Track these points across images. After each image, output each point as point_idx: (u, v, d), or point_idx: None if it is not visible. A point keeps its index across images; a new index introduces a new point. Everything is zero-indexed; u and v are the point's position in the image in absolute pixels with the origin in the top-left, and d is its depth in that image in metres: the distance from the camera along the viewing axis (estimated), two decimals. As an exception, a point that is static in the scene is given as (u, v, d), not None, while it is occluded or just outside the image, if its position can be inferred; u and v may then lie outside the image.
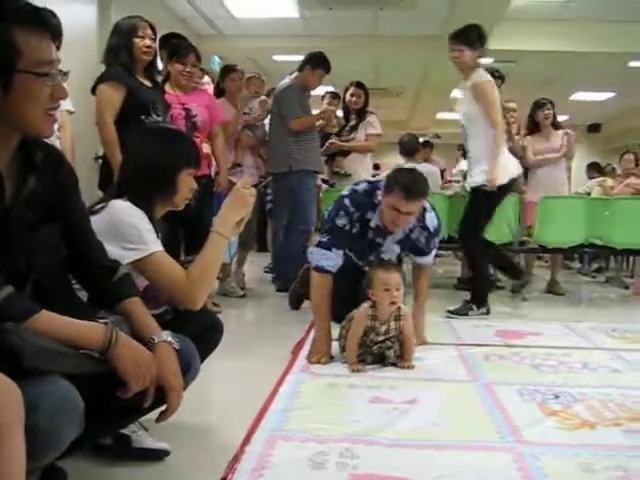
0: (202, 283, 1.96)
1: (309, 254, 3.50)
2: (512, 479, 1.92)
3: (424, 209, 3.47)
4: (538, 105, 6.03)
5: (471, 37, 4.61)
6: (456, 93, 11.86)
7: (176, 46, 4.39)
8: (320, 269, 3.37)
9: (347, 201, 3.43)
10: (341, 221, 3.41)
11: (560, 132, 6.00)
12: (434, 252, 3.72)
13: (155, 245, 1.98)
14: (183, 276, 1.94)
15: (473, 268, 4.88)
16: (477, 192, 4.55)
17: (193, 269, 1.95)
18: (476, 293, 4.73)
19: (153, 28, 3.91)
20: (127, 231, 1.95)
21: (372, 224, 3.45)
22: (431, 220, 3.53)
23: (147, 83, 3.87)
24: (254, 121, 5.67)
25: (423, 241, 3.55)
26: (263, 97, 5.86)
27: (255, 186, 4.73)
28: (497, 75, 5.96)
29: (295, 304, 4.69)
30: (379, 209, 3.40)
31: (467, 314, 4.60)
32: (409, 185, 3.22)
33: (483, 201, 4.53)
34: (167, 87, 4.31)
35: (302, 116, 5.36)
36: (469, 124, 4.68)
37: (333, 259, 3.36)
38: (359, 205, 3.42)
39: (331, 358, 3.27)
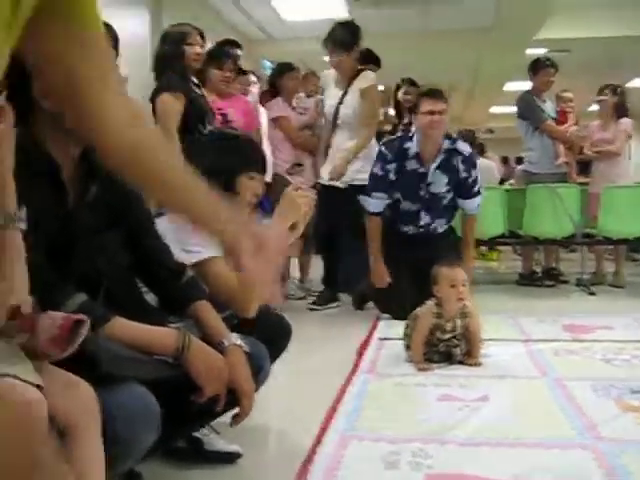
0: (254, 291, 1.93)
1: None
2: (593, 477, 1.86)
3: (455, 139, 4.28)
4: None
5: (346, 41, 4.60)
6: (509, 86, 11.70)
7: (214, 51, 4.39)
8: (367, 212, 4.15)
9: (382, 148, 4.23)
10: (376, 168, 4.15)
11: (621, 122, 5.80)
12: (479, 198, 4.29)
13: (214, 250, 1.98)
14: (236, 283, 1.93)
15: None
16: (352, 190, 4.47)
17: (244, 277, 1.93)
18: None
19: (202, 35, 3.92)
20: (189, 234, 1.95)
21: (411, 152, 4.10)
22: (463, 145, 4.24)
23: (197, 91, 3.87)
24: (311, 121, 5.53)
25: (462, 167, 4.13)
26: (319, 97, 5.80)
27: (313, 187, 4.78)
28: (549, 64, 5.87)
29: (359, 304, 4.69)
30: (415, 138, 4.13)
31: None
32: (428, 89, 4.15)
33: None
34: (204, 91, 4.30)
35: None
36: (351, 124, 4.67)
37: (375, 202, 4.14)
38: (392, 147, 4.17)
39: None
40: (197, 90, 3.88)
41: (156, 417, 1.37)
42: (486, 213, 5.49)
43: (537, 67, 5.89)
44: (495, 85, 12.28)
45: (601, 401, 2.56)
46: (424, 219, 4.22)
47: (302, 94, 5.72)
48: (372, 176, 4.19)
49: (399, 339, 3.31)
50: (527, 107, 5.85)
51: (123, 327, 1.45)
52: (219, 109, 4.31)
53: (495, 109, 15.23)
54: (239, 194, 2.12)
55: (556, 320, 4.20)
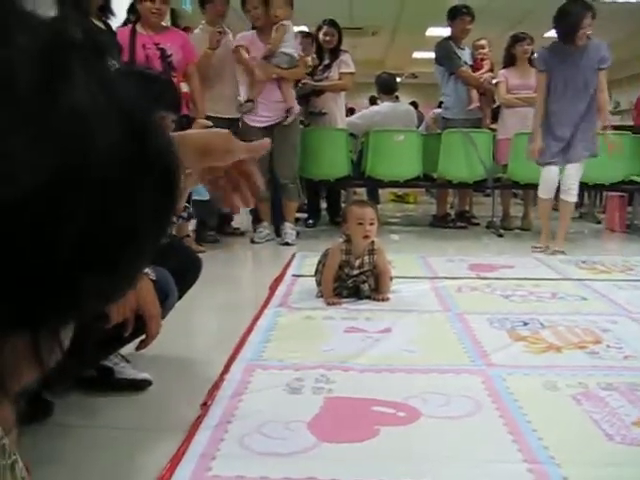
0: None
1: None
2: (479, 397, 2.01)
3: None
4: (517, 39, 5.96)
5: None
6: (431, 32, 11.77)
7: None
8: None
9: None
10: None
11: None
12: None
13: None
14: None
15: None
16: None
17: None
18: None
19: None
20: None
21: None
22: None
23: (99, 24, 3.60)
24: (269, 52, 5.04)
25: None
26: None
27: (278, 124, 4.72)
28: (465, 11, 5.96)
29: None
30: None
31: None
32: None
33: None
34: (139, 28, 4.27)
35: None
36: None
37: None
38: None
39: None
40: (99, 24, 3.67)
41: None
42: (403, 156, 5.64)
43: (454, 14, 5.99)
44: (418, 30, 12.34)
45: (495, 332, 2.73)
46: None
47: None
48: None
49: (311, 276, 3.41)
50: (443, 53, 5.96)
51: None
52: (156, 44, 4.27)
53: (417, 54, 15.29)
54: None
55: (463, 260, 4.39)
